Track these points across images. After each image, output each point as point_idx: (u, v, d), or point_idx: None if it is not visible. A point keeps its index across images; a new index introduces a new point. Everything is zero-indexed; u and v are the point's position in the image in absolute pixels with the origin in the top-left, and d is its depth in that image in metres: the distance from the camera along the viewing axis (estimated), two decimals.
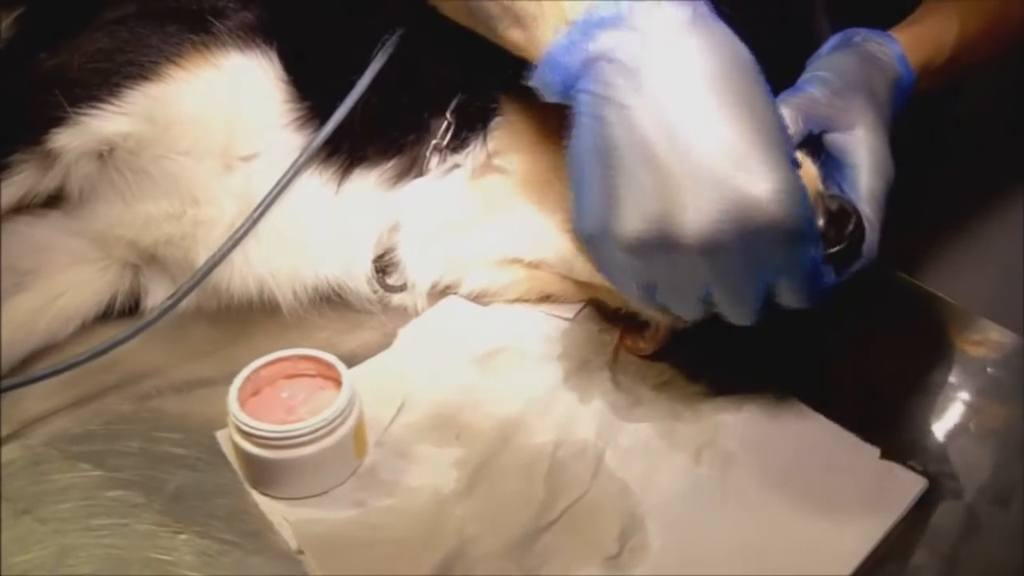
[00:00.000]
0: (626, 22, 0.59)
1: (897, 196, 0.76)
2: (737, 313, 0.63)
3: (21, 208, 0.79)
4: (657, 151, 0.57)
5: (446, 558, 0.62)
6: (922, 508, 0.69)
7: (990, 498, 0.71)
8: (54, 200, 0.80)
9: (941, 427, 0.77)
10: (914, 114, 0.83)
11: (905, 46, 0.79)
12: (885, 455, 0.71)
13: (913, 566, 0.66)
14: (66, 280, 0.80)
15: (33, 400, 0.74)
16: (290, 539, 0.64)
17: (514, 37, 0.65)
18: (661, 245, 0.58)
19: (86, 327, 0.81)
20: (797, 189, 0.57)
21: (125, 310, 0.82)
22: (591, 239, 0.63)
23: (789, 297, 0.62)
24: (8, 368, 0.76)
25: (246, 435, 0.65)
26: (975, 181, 1.00)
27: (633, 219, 0.58)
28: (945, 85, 0.84)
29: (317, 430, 0.65)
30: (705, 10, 0.60)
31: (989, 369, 0.82)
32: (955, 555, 0.67)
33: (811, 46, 0.82)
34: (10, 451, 0.71)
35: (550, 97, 0.63)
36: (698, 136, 0.57)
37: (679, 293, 0.63)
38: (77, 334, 0.80)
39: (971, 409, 0.78)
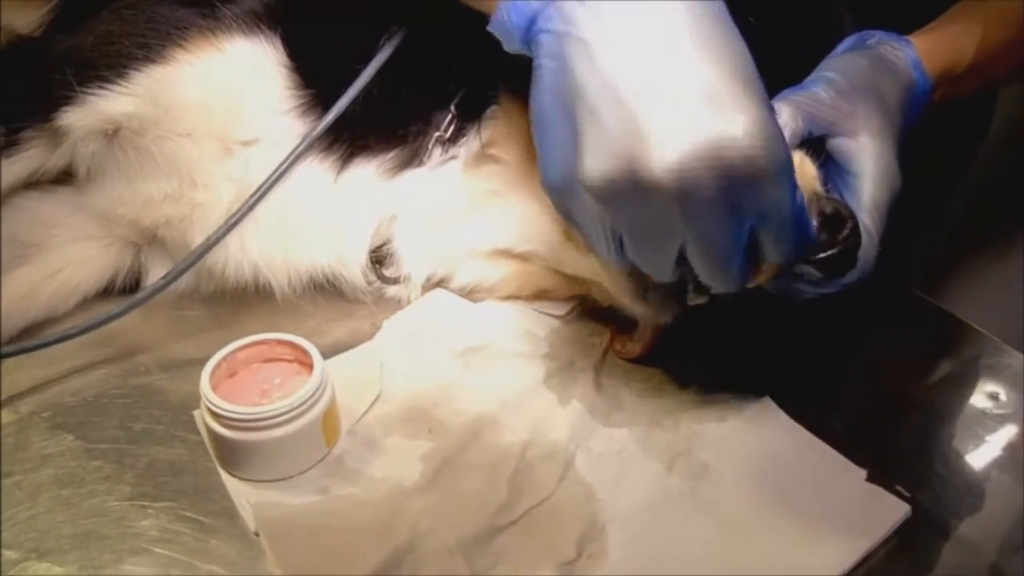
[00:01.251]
0: None
1: (922, 211, 0.73)
2: (716, 269, 0.57)
3: (31, 184, 0.81)
4: (623, 88, 0.53)
5: (396, 551, 0.61)
6: (907, 536, 0.66)
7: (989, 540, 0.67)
8: (64, 177, 0.83)
9: (942, 454, 0.74)
10: (942, 128, 0.80)
11: (922, 51, 0.75)
12: (877, 477, 0.68)
13: None
14: (69, 255, 0.82)
15: (28, 369, 0.76)
16: (249, 521, 0.64)
17: None
18: (630, 189, 0.54)
19: (87, 302, 0.83)
20: (773, 126, 0.53)
21: (126, 288, 0.84)
22: (557, 189, 0.59)
23: (773, 249, 0.58)
24: (7, 338, 0.78)
25: (216, 416, 0.66)
26: (1005, 201, 0.95)
27: (600, 161, 0.54)
28: (970, 95, 0.80)
29: (285, 413, 0.65)
30: None
31: (1002, 396, 0.78)
32: None
33: (833, 46, 0.80)
34: None
35: (511, 45, 0.60)
36: (668, 72, 0.53)
37: (652, 246, 0.58)
38: (78, 308, 0.83)
39: (979, 437, 0.75)
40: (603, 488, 0.66)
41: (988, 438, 0.74)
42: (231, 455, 0.67)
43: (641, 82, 0.53)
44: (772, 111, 0.55)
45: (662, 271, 0.60)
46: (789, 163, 0.55)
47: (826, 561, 0.62)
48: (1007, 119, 0.97)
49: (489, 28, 0.61)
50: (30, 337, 0.79)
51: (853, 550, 0.63)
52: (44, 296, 0.80)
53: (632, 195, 0.55)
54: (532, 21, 0.58)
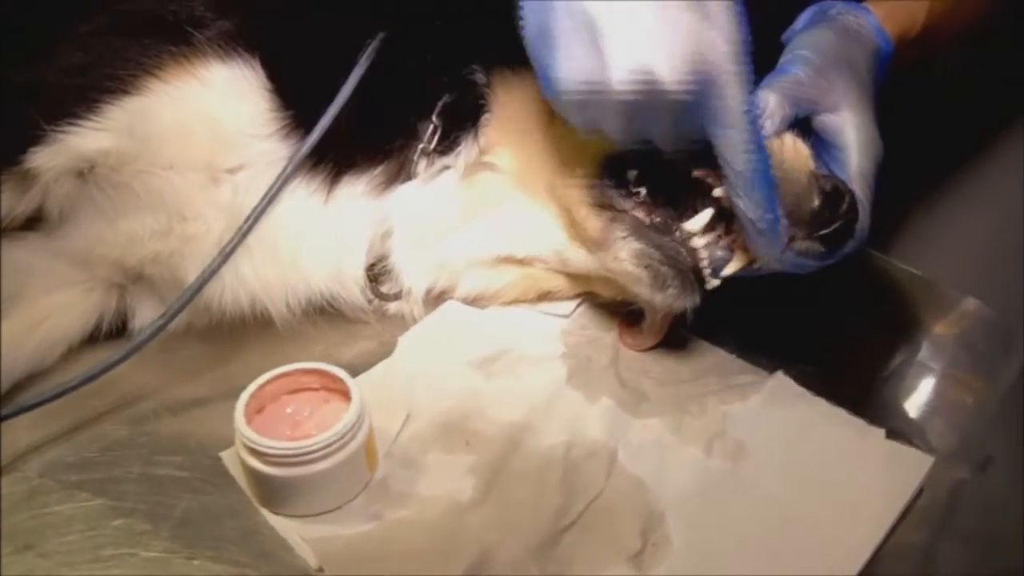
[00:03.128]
0: None
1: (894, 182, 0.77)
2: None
3: None
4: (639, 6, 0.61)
5: (469, 568, 0.61)
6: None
7: (969, 465, 0.72)
8: (31, 222, 0.78)
9: (914, 402, 0.78)
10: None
11: (879, 17, 0.79)
12: (892, 435, 0.72)
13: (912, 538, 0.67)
14: (49, 304, 0.77)
15: (24, 430, 0.71)
16: (309, 557, 0.63)
17: None
18: (648, 95, 0.62)
19: (73, 352, 0.79)
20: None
21: (112, 332, 0.80)
22: (572, 100, 0.65)
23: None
24: None
25: (256, 454, 0.64)
26: (943, 157, 1.01)
27: (624, 73, 0.62)
28: (918, 59, 0.84)
29: (329, 445, 0.64)
30: None
31: (963, 341, 0.83)
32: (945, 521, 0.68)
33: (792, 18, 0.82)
34: (6, 484, 0.68)
35: None
36: None
37: (660, 132, 0.66)
38: (64, 359, 0.78)
39: (945, 382, 0.80)
40: (651, 478, 0.68)
41: (984, 388, 0.79)
42: (276, 493, 0.65)
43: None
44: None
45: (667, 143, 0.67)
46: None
47: (871, 520, 0.65)
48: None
49: None
50: (20, 395, 0.74)
51: (893, 506, 0.66)
52: (28, 349, 0.76)
53: (649, 99, 0.62)
54: None
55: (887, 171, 0.76)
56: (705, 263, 0.71)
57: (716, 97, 0.62)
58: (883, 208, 0.76)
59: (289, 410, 0.69)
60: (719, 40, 0.62)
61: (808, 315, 0.84)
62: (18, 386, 0.75)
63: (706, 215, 0.69)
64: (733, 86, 0.62)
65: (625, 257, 0.71)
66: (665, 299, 0.72)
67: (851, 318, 0.87)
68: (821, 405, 0.74)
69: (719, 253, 0.71)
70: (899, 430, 0.73)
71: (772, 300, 0.78)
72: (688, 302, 0.72)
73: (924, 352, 0.83)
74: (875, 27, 0.79)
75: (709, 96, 0.62)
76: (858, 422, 0.73)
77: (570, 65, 0.64)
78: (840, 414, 0.74)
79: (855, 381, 0.79)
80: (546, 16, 0.64)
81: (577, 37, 0.63)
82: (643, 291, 0.73)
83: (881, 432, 0.72)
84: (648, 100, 0.63)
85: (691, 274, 0.71)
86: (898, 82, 0.84)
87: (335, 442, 0.64)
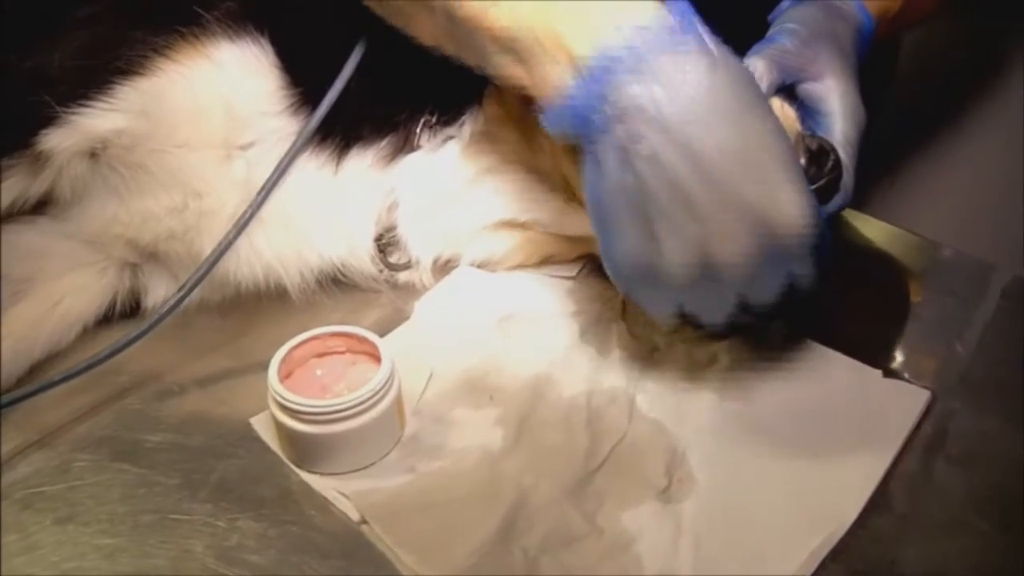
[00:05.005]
0: (646, 66, 0.60)
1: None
2: (763, 306, 0.66)
3: (10, 216, 0.76)
4: (692, 192, 0.60)
5: (509, 510, 0.63)
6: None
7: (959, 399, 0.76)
8: (42, 205, 0.78)
9: (905, 344, 0.83)
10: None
11: None
12: (890, 374, 0.76)
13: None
14: (64, 285, 0.78)
15: (49, 409, 0.72)
16: (350, 511, 0.65)
17: (513, 73, 0.66)
18: (705, 278, 0.63)
19: (88, 332, 0.79)
20: (815, 205, 0.63)
21: (126, 311, 0.81)
22: (630, 280, 0.67)
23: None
24: (15, 379, 0.74)
25: (292, 412, 0.66)
26: (924, 118, 1.07)
27: (679, 258, 0.62)
28: (896, 34, 0.90)
29: (364, 402, 0.66)
30: (725, 51, 0.62)
31: (954, 292, 0.88)
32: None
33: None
34: (36, 460, 0.69)
35: (563, 141, 0.66)
36: (727, 172, 0.60)
37: (713, 309, 0.67)
38: (80, 339, 0.79)
39: (930, 324, 0.84)
40: (669, 421, 0.71)
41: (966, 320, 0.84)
42: (311, 451, 0.67)
43: (708, 188, 0.60)
44: (805, 181, 0.63)
45: (719, 320, 0.68)
46: (826, 238, 0.64)
47: (874, 455, 0.69)
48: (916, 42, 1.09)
49: (543, 125, 0.65)
50: (38, 375, 0.75)
51: (894, 440, 0.70)
52: (47, 331, 0.76)
53: (706, 283, 0.63)
54: (597, 132, 0.62)
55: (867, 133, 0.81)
56: None
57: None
58: (863, 167, 0.81)
59: (319, 373, 0.70)
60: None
61: None
62: (37, 367, 0.75)
63: None
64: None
65: None
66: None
67: (839, 273, 0.91)
68: (820, 350, 0.78)
69: None
70: (894, 371, 0.77)
71: None
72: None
73: (911, 305, 0.88)
74: (859, 5, 0.84)
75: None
76: (856, 363, 0.77)
77: (624, 248, 0.65)
78: (838, 357, 0.78)
79: (848, 330, 0.82)
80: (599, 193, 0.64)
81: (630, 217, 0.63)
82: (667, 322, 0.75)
83: (878, 372, 0.76)
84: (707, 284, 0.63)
85: None
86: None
87: (369, 399, 0.66)
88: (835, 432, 0.71)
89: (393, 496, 0.65)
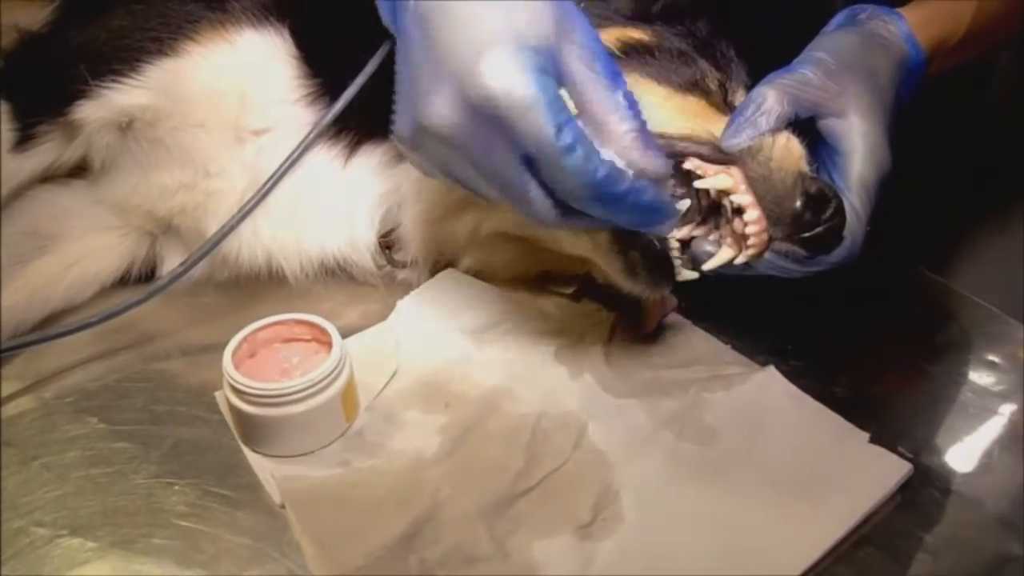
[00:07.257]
0: None
1: (921, 186, 0.74)
2: (521, 207, 0.62)
3: (47, 177, 0.83)
4: (414, 47, 0.61)
5: (417, 518, 0.63)
6: (911, 494, 0.68)
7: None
8: (78, 171, 0.85)
9: (942, 419, 0.76)
10: (939, 101, 0.82)
11: (915, 23, 0.76)
12: (879, 440, 0.70)
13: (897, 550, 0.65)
14: (87, 246, 0.84)
15: (52, 357, 0.78)
16: (274, 494, 0.66)
17: None
18: (418, 137, 0.62)
19: (104, 292, 0.85)
20: (518, 65, 0.57)
21: (142, 277, 0.86)
22: (402, 140, 0.65)
23: (565, 186, 0.59)
24: (30, 326, 0.80)
25: (239, 393, 0.68)
26: (1004, 175, 0.97)
27: (404, 117, 0.63)
28: (966, 64, 0.81)
29: (306, 389, 0.67)
30: None
31: (1000, 364, 0.81)
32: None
33: (825, 21, 0.81)
34: (25, 403, 0.75)
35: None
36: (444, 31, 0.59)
37: (472, 183, 0.64)
38: (96, 298, 0.85)
39: (982, 408, 0.77)
40: (616, 455, 0.69)
41: (988, 405, 0.76)
42: (254, 431, 0.69)
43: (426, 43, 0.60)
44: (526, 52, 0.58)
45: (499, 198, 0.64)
46: (534, 98, 0.57)
47: (832, 518, 0.64)
48: (1007, 89, 0.99)
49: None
50: (51, 326, 0.81)
51: (858, 507, 0.65)
52: (63, 286, 0.82)
53: (423, 143, 0.62)
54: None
55: (954, 192, 0.74)
56: (676, 254, 0.70)
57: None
58: (909, 217, 0.75)
59: (280, 357, 0.73)
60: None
61: (821, 315, 0.83)
62: (50, 318, 0.82)
63: (683, 205, 0.68)
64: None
65: (603, 241, 0.71)
66: (635, 286, 0.71)
67: (869, 323, 0.85)
68: (807, 403, 0.73)
69: (706, 247, 0.70)
70: (888, 438, 0.71)
71: (785, 296, 0.78)
72: (658, 291, 0.72)
73: (966, 376, 0.81)
74: (906, 34, 0.77)
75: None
76: (842, 422, 0.71)
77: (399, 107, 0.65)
78: (826, 413, 0.72)
79: (852, 384, 0.77)
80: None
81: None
82: (617, 276, 0.73)
83: (865, 436, 0.70)
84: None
85: (663, 264, 0.70)
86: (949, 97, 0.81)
87: (312, 387, 0.67)
88: (797, 487, 0.67)
89: (316, 486, 0.66)
